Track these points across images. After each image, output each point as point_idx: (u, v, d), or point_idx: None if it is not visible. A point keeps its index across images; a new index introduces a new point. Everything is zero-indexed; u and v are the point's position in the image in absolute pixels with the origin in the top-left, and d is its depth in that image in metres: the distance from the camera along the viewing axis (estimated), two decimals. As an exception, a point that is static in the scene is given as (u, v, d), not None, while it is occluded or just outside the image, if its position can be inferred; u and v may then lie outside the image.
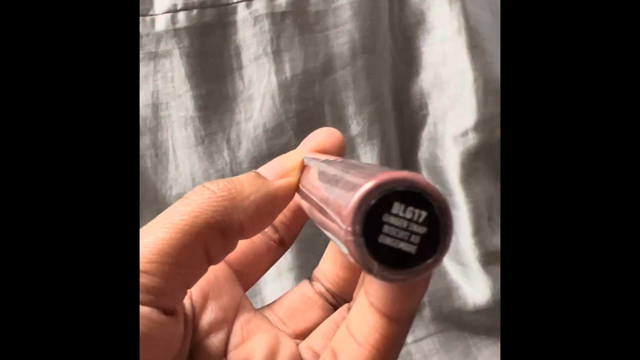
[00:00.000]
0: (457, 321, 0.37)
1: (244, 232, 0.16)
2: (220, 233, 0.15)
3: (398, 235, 0.12)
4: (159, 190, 0.36)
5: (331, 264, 0.20)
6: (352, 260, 0.12)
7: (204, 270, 0.16)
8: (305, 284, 0.21)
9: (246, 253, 0.20)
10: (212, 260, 0.16)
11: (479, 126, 0.35)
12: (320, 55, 0.35)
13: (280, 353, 0.18)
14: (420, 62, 0.37)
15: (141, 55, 0.34)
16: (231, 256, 0.19)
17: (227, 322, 0.19)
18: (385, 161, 0.36)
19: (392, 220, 0.12)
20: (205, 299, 0.19)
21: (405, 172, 0.12)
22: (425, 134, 0.37)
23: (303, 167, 0.17)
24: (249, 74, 0.35)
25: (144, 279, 0.14)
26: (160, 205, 0.36)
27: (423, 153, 0.37)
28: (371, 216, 0.11)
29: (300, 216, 0.20)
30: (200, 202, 0.15)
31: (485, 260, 0.36)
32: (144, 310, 0.14)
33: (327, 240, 0.18)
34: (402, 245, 0.12)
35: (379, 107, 0.36)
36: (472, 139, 0.35)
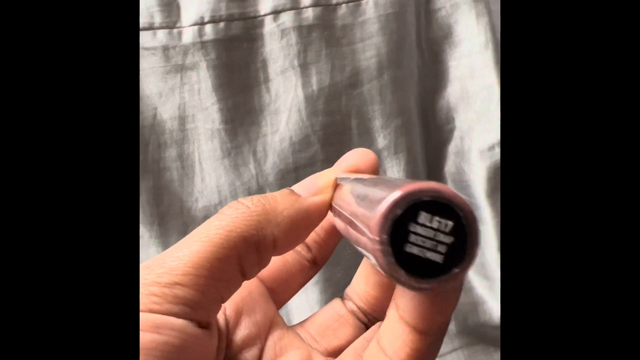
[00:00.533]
0: (482, 336, 0.37)
1: (277, 247, 0.16)
2: (254, 248, 0.15)
3: (425, 245, 0.12)
4: (185, 203, 0.36)
5: (363, 283, 0.20)
6: (380, 270, 0.12)
7: (238, 285, 0.16)
8: (337, 302, 0.21)
9: (279, 271, 0.20)
10: (246, 275, 0.16)
11: (506, 140, 0.35)
12: (347, 69, 0.35)
13: None
14: (447, 76, 0.37)
15: (168, 68, 0.34)
16: (265, 273, 0.20)
17: (260, 338, 0.19)
18: (412, 174, 0.36)
19: (419, 229, 0.12)
20: (239, 315, 0.19)
21: (433, 182, 0.12)
22: (452, 147, 0.37)
23: (336, 185, 0.17)
24: (275, 87, 0.35)
25: (179, 291, 0.14)
26: (186, 217, 0.36)
27: (449, 167, 0.37)
28: (398, 225, 0.12)
29: (333, 236, 0.20)
30: (235, 217, 0.15)
31: (512, 275, 0.36)
32: (179, 322, 0.14)
33: (353, 253, 0.18)
34: (429, 255, 0.12)
35: (405, 120, 0.36)
36: (498, 153, 0.35)
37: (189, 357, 0.15)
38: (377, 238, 0.12)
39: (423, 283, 0.12)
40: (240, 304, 0.19)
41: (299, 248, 0.20)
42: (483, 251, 0.37)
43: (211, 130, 0.35)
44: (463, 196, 0.12)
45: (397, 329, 0.15)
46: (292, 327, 0.20)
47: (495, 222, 0.35)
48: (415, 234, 0.12)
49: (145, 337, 0.14)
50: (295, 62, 0.35)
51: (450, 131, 0.37)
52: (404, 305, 0.15)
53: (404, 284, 0.12)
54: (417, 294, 0.15)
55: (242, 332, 0.18)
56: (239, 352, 0.18)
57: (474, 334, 0.37)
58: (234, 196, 0.36)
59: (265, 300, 0.19)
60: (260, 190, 0.36)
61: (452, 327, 0.37)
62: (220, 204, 0.36)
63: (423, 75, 0.37)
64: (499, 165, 0.35)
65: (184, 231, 0.36)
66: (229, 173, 0.35)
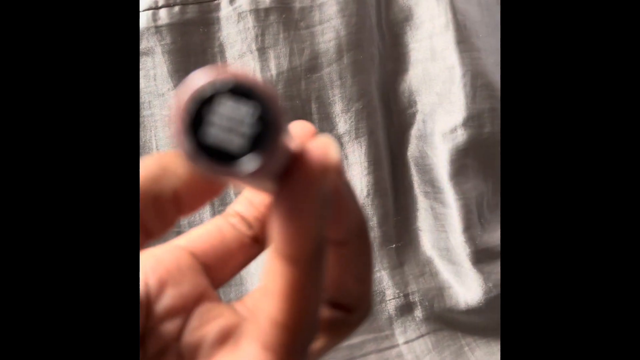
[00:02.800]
0: (449, 321, 0.37)
1: (181, 204, 0.15)
2: (151, 203, 0.15)
3: (225, 132, 0.12)
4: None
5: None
6: (185, 159, 0.12)
7: (142, 243, 0.15)
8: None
9: (215, 246, 0.19)
10: (151, 234, 0.15)
11: (468, 122, 0.35)
12: (306, 53, 0.34)
13: (236, 333, 0.17)
14: (408, 58, 0.37)
15: (122, 54, 0.34)
16: (199, 247, 0.19)
17: (184, 309, 0.18)
18: (374, 159, 0.35)
19: (219, 116, 0.12)
20: (162, 286, 0.18)
21: (236, 70, 0.12)
22: (414, 131, 0.37)
23: None
24: (233, 72, 0.34)
25: None
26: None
27: (412, 151, 0.37)
28: (197, 113, 0.11)
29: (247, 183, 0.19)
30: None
31: (476, 258, 0.35)
32: None
33: None
34: (228, 141, 0.12)
35: (366, 104, 0.35)
36: (460, 136, 0.35)
37: None
38: (180, 119, 0.11)
39: (227, 165, 0.11)
40: (165, 276, 0.18)
41: (239, 224, 0.19)
42: (447, 235, 0.36)
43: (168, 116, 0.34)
44: (266, 85, 0.12)
45: (269, 261, 0.14)
46: (230, 303, 0.19)
47: (459, 205, 0.35)
48: (215, 121, 0.11)
49: None
50: (253, 46, 0.34)
51: (413, 115, 0.37)
52: (273, 230, 0.14)
53: (212, 169, 0.12)
54: (233, 183, 0.14)
55: (164, 303, 0.17)
56: (159, 322, 0.17)
57: (441, 319, 0.37)
58: (194, 184, 0.35)
59: (194, 273, 0.18)
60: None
61: (418, 313, 0.36)
62: (180, 192, 0.35)
63: (384, 58, 0.37)
64: (461, 147, 0.35)
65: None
66: (188, 160, 0.35)
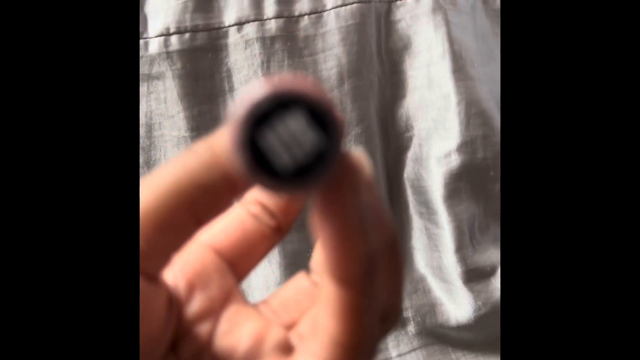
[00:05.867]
0: (440, 336, 0.38)
1: (237, 185, 0.14)
2: (206, 190, 0.14)
3: (284, 147, 0.11)
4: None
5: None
6: (242, 174, 0.12)
7: (192, 233, 0.15)
8: (301, 276, 0.20)
9: (237, 240, 0.19)
10: (201, 222, 0.15)
11: (462, 148, 0.36)
12: (309, 79, 0.36)
13: (268, 340, 0.17)
14: (406, 85, 0.38)
15: (135, 77, 0.36)
16: (222, 244, 0.19)
17: (214, 312, 0.18)
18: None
19: (277, 132, 0.11)
20: (191, 289, 0.18)
21: (291, 82, 0.11)
22: (411, 154, 0.38)
23: None
24: (240, 96, 0.36)
25: None
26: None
27: (408, 173, 0.38)
28: (255, 128, 0.11)
29: (298, 199, 0.19)
30: (183, 163, 0.14)
31: (467, 277, 0.37)
32: None
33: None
34: (288, 157, 0.11)
35: (365, 129, 0.37)
36: (454, 160, 0.37)
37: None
38: (236, 136, 0.11)
39: (283, 183, 0.11)
40: (193, 279, 0.18)
41: (260, 214, 0.19)
42: (440, 254, 0.38)
43: (177, 137, 0.36)
44: (324, 98, 0.12)
45: (324, 285, 0.15)
46: (254, 303, 0.19)
47: (451, 226, 0.37)
48: (274, 134, 0.11)
49: None
50: (259, 72, 0.36)
51: (409, 139, 0.38)
52: (323, 254, 0.14)
53: (266, 185, 0.11)
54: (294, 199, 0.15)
55: (194, 307, 0.18)
56: (191, 326, 0.17)
57: (432, 334, 0.38)
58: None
59: (221, 274, 0.18)
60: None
61: (411, 328, 0.38)
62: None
63: (383, 84, 0.38)
64: (455, 171, 0.36)
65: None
66: (195, 179, 0.36)
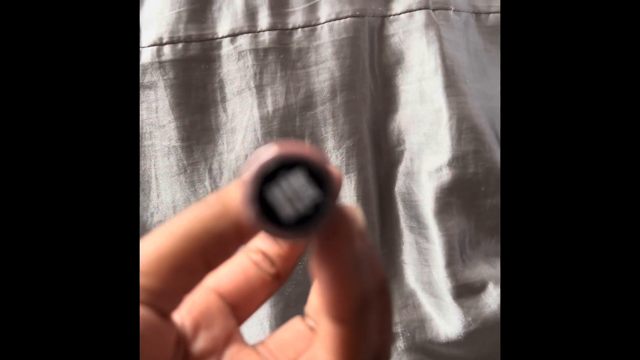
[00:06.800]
0: (429, 352, 0.38)
1: (244, 234, 0.16)
2: (217, 238, 0.16)
3: (288, 201, 0.14)
4: (141, 217, 0.36)
5: (317, 298, 0.21)
6: (251, 223, 0.14)
7: (203, 276, 0.17)
8: (297, 319, 0.21)
9: (239, 286, 0.20)
10: (210, 266, 0.17)
11: (453, 163, 0.36)
12: (302, 91, 0.36)
13: None
14: (398, 100, 0.38)
15: (127, 86, 0.35)
16: (225, 288, 0.20)
17: (217, 351, 0.19)
18: (362, 194, 0.37)
19: (282, 188, 0.14)
20: (197, 328, 0.19)
21: (295, 147, 0.14)
22: (402, 168, 0.38)
23: None
24: (232, 107, 0.36)
25: (142, 280, 0.16)
26: (141, 231, 0.36)
27: (400, 187, 0.38)
28: (263, 185, 0.14)
29: (296, 249, 0.21)
30: (197, 213, 0.16)
31: (457, 293, 0.37)
32: (143, 310, 0.16)
33: (304, 268, 0.19)
34: (291, 209, 0.14)
35: (357, 142, 0.37)
36: (446, 175, 0.37)
37: (146, 341, 0.16)
38: (248, 192, 0.14)
39: (286, 231, 0.14)
40: (198, 318, 0.19)
41: (262, 262, 0.21)
42: (430, 269, 0.38)
43: (168, 147, 0.36)
44: (322, 159, 0.14)
45: (321, 323, 0.17)
46: (253, 345, 0.20)
47: (442, 241, 0.36)
48: (280, 190, 0.14)
49: None
50: (252, 84, 0.36)
51: (401, 153, 0.38)
52: (320, 295, 0.16)
53: (274, 234, 0.14)
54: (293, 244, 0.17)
55: (199, 345, 0.19)
56: None
57: (422, 350, 0.38)
58: (190, 212, 0.36)
59: (224, 315, 0.20)
60: (216, 206, 0.36)
61: (401, 343, 0.38)
62: (176, 219, 0.37)
63: (375, 98, 0.38)
64: (446, 186, 0.37)
65: (139, 246, 0.37)
66: (185, 189, 0.36)
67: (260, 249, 0.21)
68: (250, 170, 0.14)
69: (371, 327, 0.17)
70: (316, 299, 0.20)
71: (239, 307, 0.21)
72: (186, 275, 0.16)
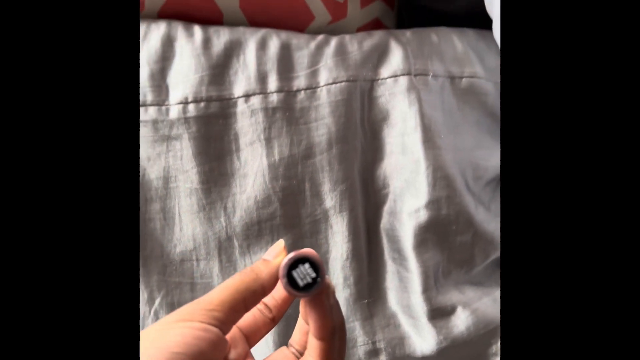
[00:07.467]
0: (407, 365, 0.44)
1: (266, 291, 0.29)
2: (252, 293, 0.28)
3: (301, 277, 0.27)
4: (165, 248, 0.43)
5: (299, 333, 0.31)
6: (286, 289, 0.27)
7: (242, 314, 0.28)
8: (283, 348, 0.32)
9: (251, 324, 0.31)
10: (247, 308, 0.28)
11: (429, 205, 0.43)
12: (303, 143, 0.43)
13: None
14: (384, 150, 0.44)
15: (156, 137, 0.41)
16: (242, 325, 0.31)
17: None
18: (353, 230, 0.43)
19: (299, 271, 0.27)
20: (230, 347, 0.30)
21: (307, 250, 0.28)
22: (387, 208, 0.44)
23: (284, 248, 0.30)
24: (244, 156, 0.42)
25: (215, 313, 0.27)
26: (165, 260, 0.42)
27: (384, 224, 0.44)
28: (290, 270, 0.28)
29: (286, 301, 0.32)
30: (242, 277, 0.28)
31: (432, 315, 0.43)
32: (214, 329, 0.26)
33: (291, 309, 0.31)
34: (303, 281, 0.27)
35: (349, 186, 0.43)
36: (423, 215, 0.43)
37: (215, 348, 0.26)
38: (282, 273, 0.28)
39: (300, 292, 0.27)
40: (231, 341, 0.30)
41: (264, 310, 0.32)
42: (409, 295, 0.44)
43: (190, 189, 0.42)
44: (318, 258, 0.27)
45: (310, 342, 0.29)
46: None
47: (419, 271, 0.43)
48: (297, 273, 0.27)
49: (199, 334, 0.25)
50: (262, 136, 0.42)
51: (386, 195, 0.45)
52: (310, 324, 0.29)
53: (292, 294, 0.27)
54: (304, 302, 0.29)
55: (232, 356, 0.30)
56: None
57: (401, 364, 0.44)
58: (207, 243, 0.42)
59: (243, 341, 0.31)
60: (229, 238, 0.43)
61: (383, 357, 0.44)
62: (195, 249, 0.43)
63: (365, 149, 0.45)
64: (423, 224, 0.43)
65: (163, 271, 0.43)
66: (203, 224, 0.42)
67: (264, 302, 0.31)
68: (284, 263, 0.27)
69: (339, 344, 0.29)
70: (298, 334, 0.32)
71: (250, 337, 0.31)
72: (235, 312, 0.27)
